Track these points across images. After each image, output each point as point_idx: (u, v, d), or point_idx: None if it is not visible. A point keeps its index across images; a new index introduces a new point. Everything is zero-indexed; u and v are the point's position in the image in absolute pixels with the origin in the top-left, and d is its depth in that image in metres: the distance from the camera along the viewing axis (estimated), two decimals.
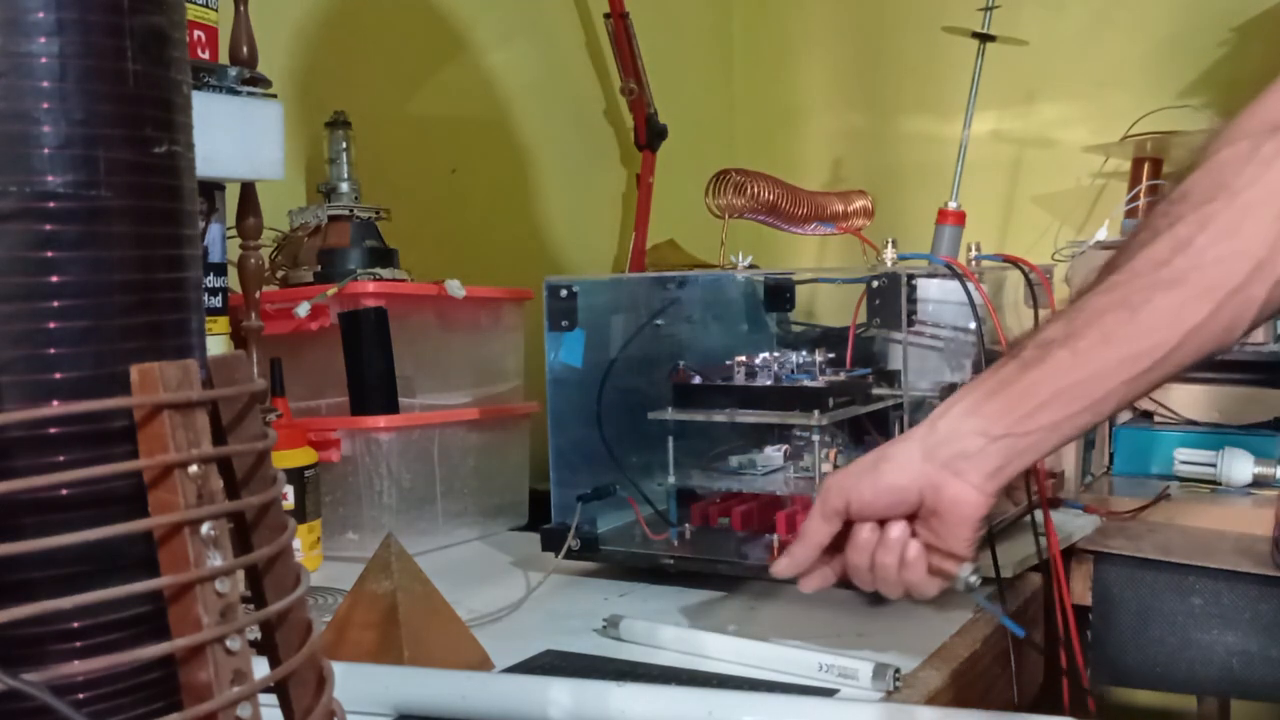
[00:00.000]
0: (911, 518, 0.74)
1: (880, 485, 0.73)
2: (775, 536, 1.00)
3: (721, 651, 0.83)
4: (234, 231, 1.06)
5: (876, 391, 1.09)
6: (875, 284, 0.98)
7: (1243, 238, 0.65)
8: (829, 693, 0.76)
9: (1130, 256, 0.69)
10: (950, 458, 0.71)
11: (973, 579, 0.74)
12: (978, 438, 0.70)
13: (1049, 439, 0.70)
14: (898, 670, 0.77)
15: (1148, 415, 1.48)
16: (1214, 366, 1.43)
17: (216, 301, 1.02)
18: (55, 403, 0.33)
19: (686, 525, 1.08)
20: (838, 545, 0.77)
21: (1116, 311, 0.68)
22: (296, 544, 0.97)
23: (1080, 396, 0.69)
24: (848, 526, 0.76)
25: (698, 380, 1.07)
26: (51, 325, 0.34)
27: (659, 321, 1.19)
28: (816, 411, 0.99)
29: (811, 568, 0.79)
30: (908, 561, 0.74)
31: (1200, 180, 0.68)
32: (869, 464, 0.74)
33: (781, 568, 0.78)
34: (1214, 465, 1.30)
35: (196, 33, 0.96)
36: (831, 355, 1.11)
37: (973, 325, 1.02)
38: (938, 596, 0.77)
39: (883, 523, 0.75)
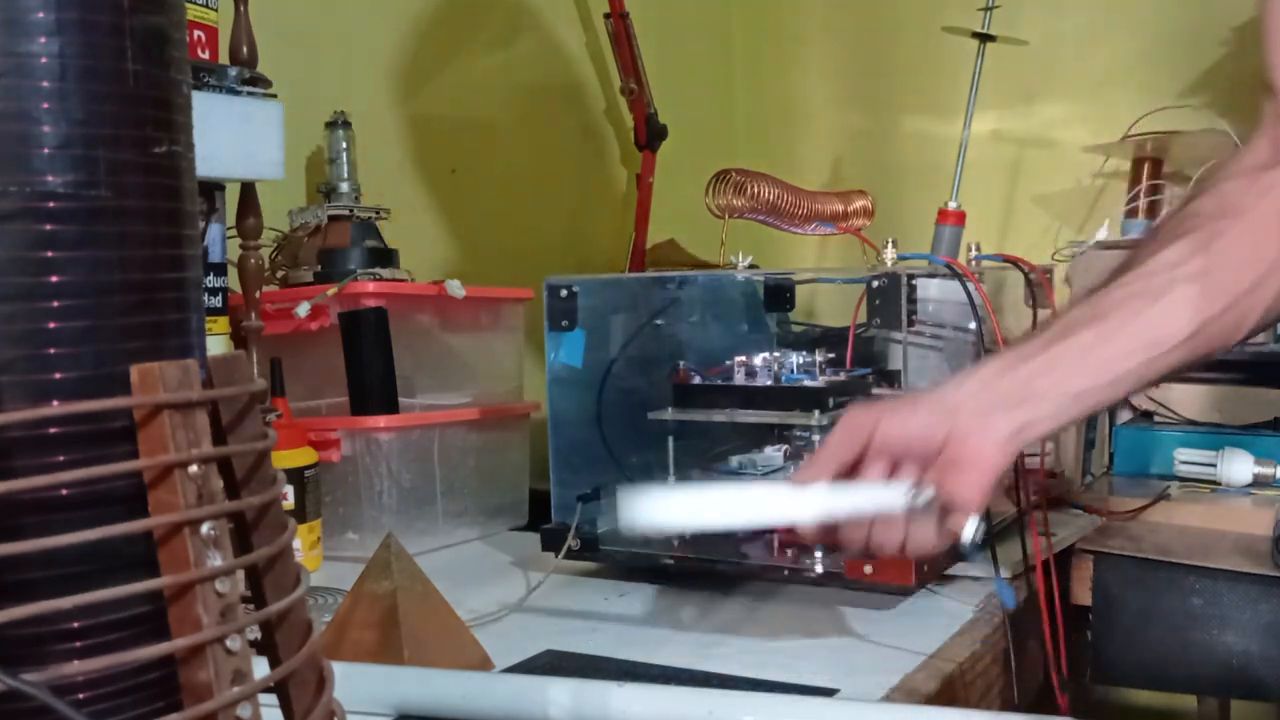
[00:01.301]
0: (924, 468, 0.75)
1: (911, 421, 0.74)
2: (775, 536, 1.00)
3: (741, 505, 0.77)
4: (234, 231, 1.06)
5: (876, 391, 1.09)
6: (875, 284, 0.98)
7: (1253, 247, 0.74)
8: (829, 693, 0.76)
9: (1144, 259, 0.75)
10: (977, 410, 0.73)
11: (978, 536, 0.73)
12: (1005, 398, 0.73)
13: (1070, 408, 0.74)
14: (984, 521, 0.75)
15: (1148, 415, 1.48)
16: (1214, 366, 1.43)
17: (216, 301, 1.02)
18: (55, 403, 0.33)
19: None
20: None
21: (1139, 299, 0.74)
22: (296, 544, 0.98)
23: (1102, 371, 0.73)
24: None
25: (698, 380, 1.07)
26: (51, 325, 0.34)
27: (659, 321, 1.20)
28: (816, 411, 0.99)
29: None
30: (918, 508, 0.74)
31: (1207, 203, 0.76)
32: (900, 402, 0.76)
33: (803, 476, 0.76)
34: (1214, 465, 1.30)
35: (196, 33, 0.96)
36: (831, 355, 1.11)
37: (973, 325, 1.02)
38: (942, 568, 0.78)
39: (892, 471, 0.75)
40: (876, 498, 0.74)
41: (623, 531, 0.81)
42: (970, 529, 0.73)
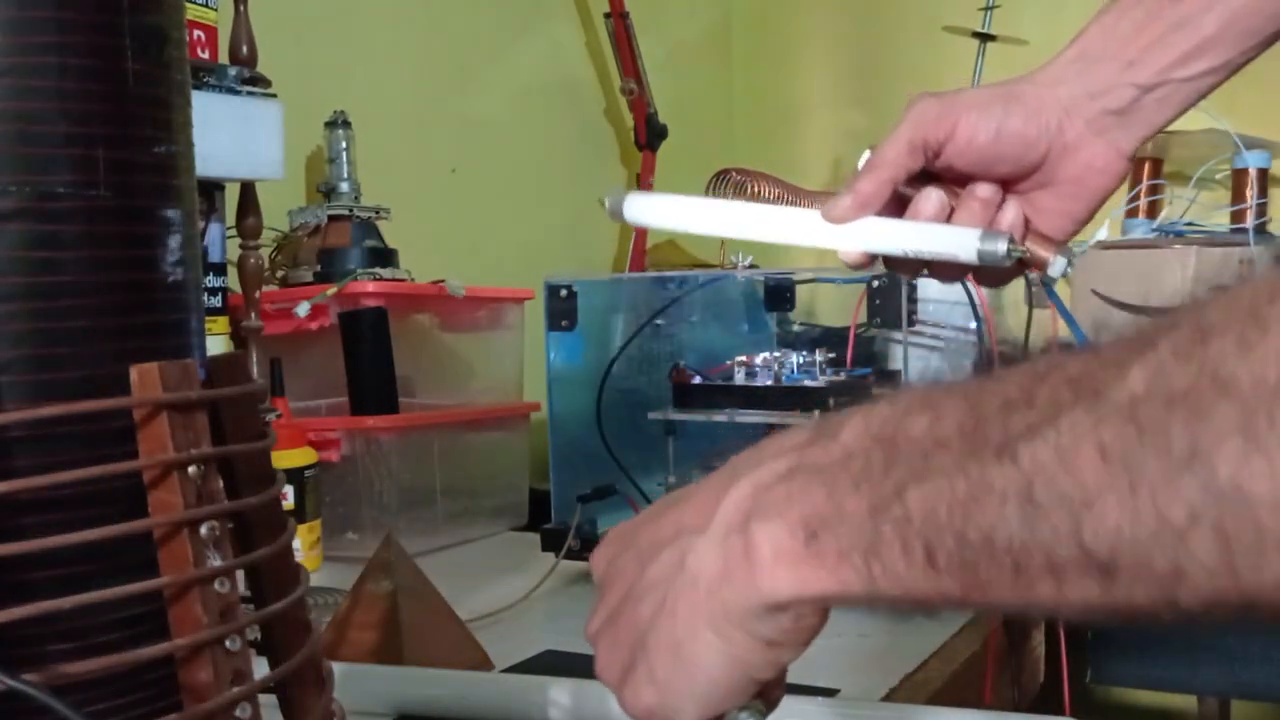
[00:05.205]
0: (1008, 185, 0.57)
1: (1007, 129, 0.56)
2: None
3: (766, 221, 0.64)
4: (234, 231, 1.06)
5: (877, 391, 1.09)
6: (875, 284, 0.98)
7: None
8: (829, 693, 0.76)
9: None
10: (1097, 114, 0.56)
11: (1069, 269, 0.58)
12: (1130, 89, 0.55)
13: (1210, 81, 0.56)
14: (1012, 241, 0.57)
15: None
16: None
17: (216, 301, 1.02)
18: (55, 403, 0.33)
19: None
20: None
21: None
22: (296, 544, 0.98)
23: (1256, 10, 0.54)
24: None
25: (698, 380, 1.07)
26: (51, 325, 0.34)
27: (659, 321, 1.19)
28: (817, 411, 0.99)
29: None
30: (1007, 229, 0.57)
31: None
32: (991, 98, 0.57)
33: (844, 208, 0.57)
34: None
35: (196, 32, 0.96)
36: (832, 355, 1.10)
37: (973, 325, 1.02)
38: None
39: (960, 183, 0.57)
40: (942, 240, 0.57)
41: (611, 216, 0.66)
42: (1060, 261, 0.57)
